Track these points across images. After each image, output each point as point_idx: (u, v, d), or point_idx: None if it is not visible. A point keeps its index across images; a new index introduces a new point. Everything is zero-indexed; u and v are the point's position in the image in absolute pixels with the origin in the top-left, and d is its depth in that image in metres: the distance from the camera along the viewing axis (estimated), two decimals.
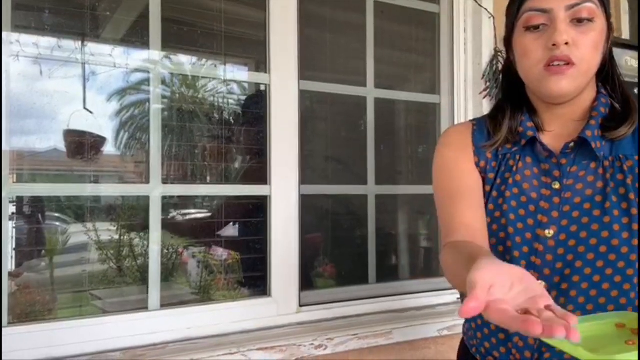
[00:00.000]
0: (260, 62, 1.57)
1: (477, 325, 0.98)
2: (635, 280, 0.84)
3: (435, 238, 1.96)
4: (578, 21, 0.84)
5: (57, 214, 1.50)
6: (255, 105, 1.64)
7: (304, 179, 1.61)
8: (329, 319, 1.56)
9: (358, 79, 1.81)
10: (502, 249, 0.93)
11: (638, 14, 2.02)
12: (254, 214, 1.60)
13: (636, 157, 0.87)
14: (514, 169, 0.95)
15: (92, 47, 1.40)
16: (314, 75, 1.70)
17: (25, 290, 1.40)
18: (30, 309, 1.35)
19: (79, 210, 1.46)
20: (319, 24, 1.90)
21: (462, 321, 1.60)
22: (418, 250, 2.03)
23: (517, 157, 0.95)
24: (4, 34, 1.25)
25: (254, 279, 1.59)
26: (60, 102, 1.40)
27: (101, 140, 1.52)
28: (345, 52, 1.92)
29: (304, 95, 1.66)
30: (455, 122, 1.86)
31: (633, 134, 0.88)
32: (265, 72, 1.54)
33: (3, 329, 1.18)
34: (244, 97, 1.72)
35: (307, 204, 1.68)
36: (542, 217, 0.90)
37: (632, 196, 0.84)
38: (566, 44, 0.84)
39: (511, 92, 0.98)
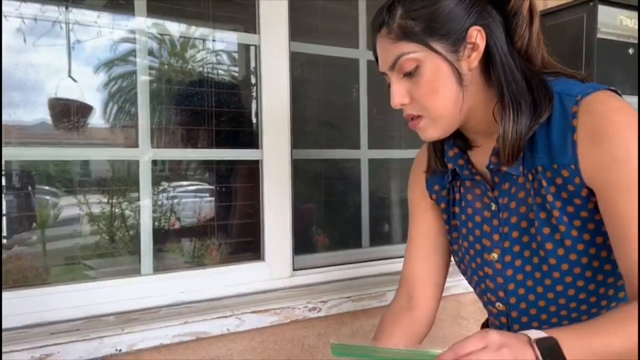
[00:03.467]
0: (249, 26, 1.53)
1: None
2: (591, 287, 0.80)
3: None
4: (406, 75, 0.80)
5: (47, 187, 1.48)
6: (245, 67, 1.60)
7: (296, 143, 1.59)
8: (323, 282, 1.56)
9: (350, 42, 1.78)
10: (469, 273, 0.95)
11: None
12: (246, 178, 1.58)
13: (554, 166, 0.77)
14: (457, 196, 0.93)
15: (75, 11, 1.36)
16: (305, 39, 1.67)
17: (17, 262, 1.38)
18: (22, 280, 1.34)
19: (69, 183, 1.44)
20: None
21: (453, 284, 1.63)
22: None
23: (457, 183, 0.93)
24: None
25: (247, 243, 1.59)
26: (46, 73, 1.36)
27: (87, 107, 1.49)
28: (337, 14, 1.88)
29: (295, 59, 1.62)
30: None
31: (548, 137, 0.77)
32: (255, 33, 1.50)
33: None
34: (233, 60, 1.68)
35: (300, 169, 1.67)
36: (486, 241, 0.88)
37: (556, 213, 0.78)
38: (403, 104, 0.83)
39: None
